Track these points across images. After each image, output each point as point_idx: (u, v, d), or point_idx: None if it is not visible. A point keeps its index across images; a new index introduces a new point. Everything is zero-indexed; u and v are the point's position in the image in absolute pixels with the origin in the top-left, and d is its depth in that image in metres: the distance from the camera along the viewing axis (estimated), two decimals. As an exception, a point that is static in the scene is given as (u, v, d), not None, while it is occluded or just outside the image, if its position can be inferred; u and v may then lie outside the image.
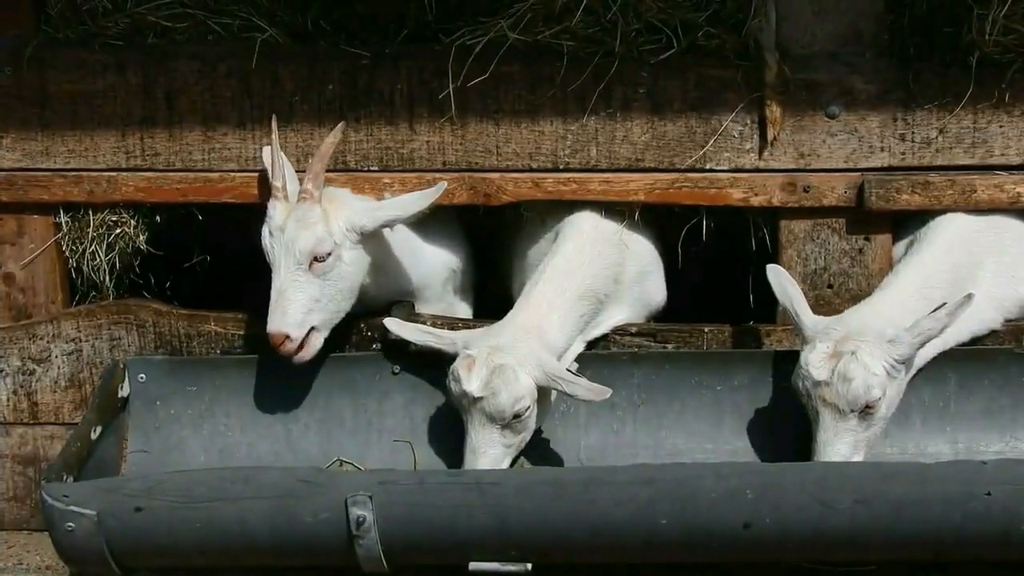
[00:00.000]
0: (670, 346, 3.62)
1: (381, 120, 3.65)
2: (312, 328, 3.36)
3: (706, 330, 3.64)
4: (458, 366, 3.28)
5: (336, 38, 3.63)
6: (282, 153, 3.46)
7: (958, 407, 3.52)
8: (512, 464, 3.37)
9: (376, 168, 3.68)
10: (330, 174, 3.68)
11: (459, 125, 3.64)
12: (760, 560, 3.21)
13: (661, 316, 3.85)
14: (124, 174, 3.73)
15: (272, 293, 3.33)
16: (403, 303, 3.67)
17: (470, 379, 3.24)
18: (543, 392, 3.32)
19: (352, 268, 3.41)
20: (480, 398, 3.23)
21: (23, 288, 3.82)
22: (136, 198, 3.75)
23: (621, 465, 3.28)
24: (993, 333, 3.55)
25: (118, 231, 3.79)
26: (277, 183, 3.38)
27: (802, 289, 3.62)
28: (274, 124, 3.50)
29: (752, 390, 3.56)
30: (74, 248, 3.81)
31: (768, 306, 3.72)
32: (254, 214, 3.89)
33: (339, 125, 3.46)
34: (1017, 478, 3.01)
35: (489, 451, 3.28)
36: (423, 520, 3.05)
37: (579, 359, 3.56)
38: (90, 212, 3.79)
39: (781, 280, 3.41)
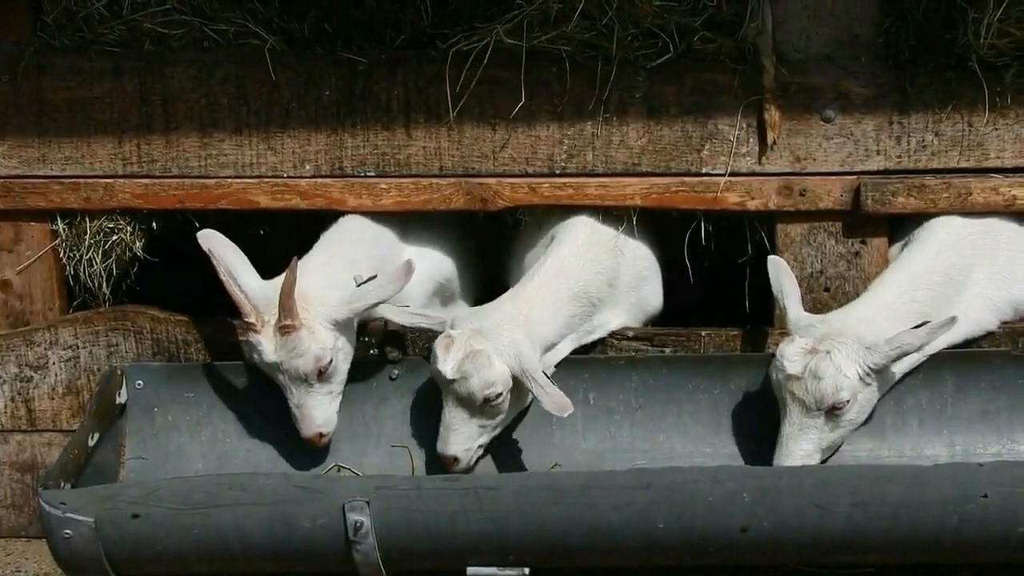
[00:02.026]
0: (667, 350, 3.63)
1: (378, 126, 3.65)
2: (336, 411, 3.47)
3: (703, 334, 3.64)
4: (437, 344, 3.32)
5: (333, 44, 3.64)
6: (235, 276, 3.38)
7: (955, 410, 3.53)
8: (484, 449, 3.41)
9: (373, 174, 3.68)
10: (327, 180, 3.70)
11: (456, 130, 3.65)
12: (758, 564, 3.21)
13: (658, 320, 3.85)
14: (121, 181, 3.73)
15: (291, 407, 3.40)
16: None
17: (445, 360, 3.28)
18: (520, 382, 3.32)
19: (347, 347, 3.44)
20: (453, 380, 3.26)
21: (20, 295, 3.83)
22: (133, 205, 3.75)
23: (618, 469, 3.29)
24: (990, 335, 3.56)
25: (115, 238, 3.79)
26: (250, 319, 3.33)
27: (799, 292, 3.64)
28: (223, 266, 3.37)
29: (749, 394, 3.56)
30: (71, 255, 3.82)
31: (765, 310, 3.72)
32: (251, 220, 3.92)
33: (293, 261, 3.31)
34: (1014, 480, 3.01)
35: (461, 429, 3.32)
36: (420, 525, 3.05)
37: (578, 363, 3.56)
38: (87, 219, 3.79)
39: (778, 272, 3.42)
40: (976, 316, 3.49)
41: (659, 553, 3.09)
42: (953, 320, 3.24)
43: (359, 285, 3.41)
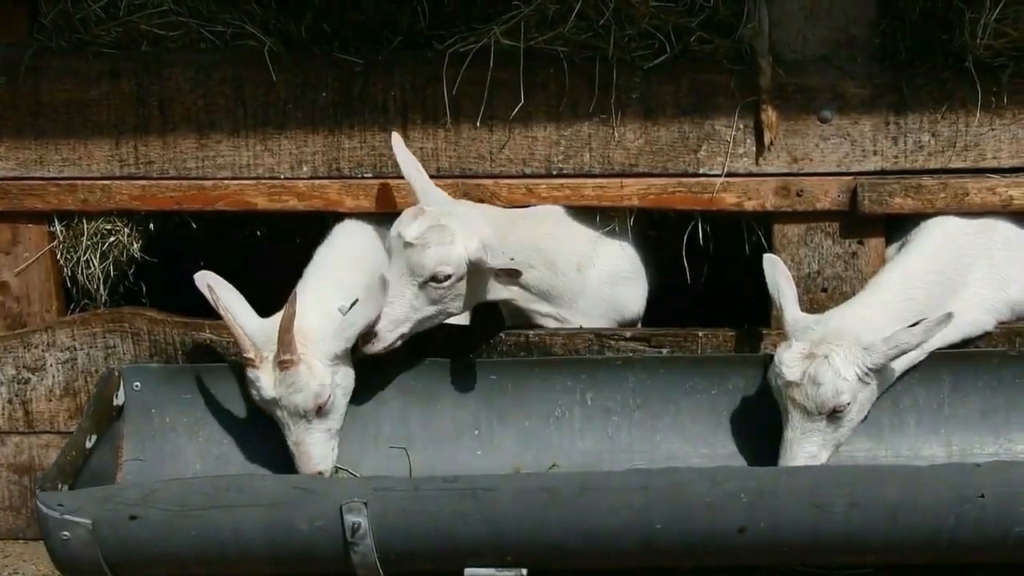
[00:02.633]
0: (665, 350, 3.63)
1: (375, 127, 3.66)
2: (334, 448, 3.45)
3: (700, 334, 3.64)
4: (406, 211, 3.32)
5: (329, 45, 3.64)
6: (233, 314, 3.36)
7: (952, 409, 3.53)
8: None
9: (370, 175, 3.68)
10: (324, 181, 3.70)
11: (453, 131, 3.65)
12: (756, 564, 3.21)
13: (656, 321, 3.85)
14: (118, 182, 3.73)
15: (289, 444, 3.38)
16: None
17: (410, 225, 3.28)
18: (476, 272, 3.32)
19: (346, 382, 3.42)
20: (410, 245, 3.26)
21: (18, 297, 3.83)
22: (130, 206, 3.75)
23: (616, 470, 3.29)
24: (987, 335, 3.56)
25: (112, 239, 3.80)
26: (248, 354, 3.32)
27: (796, 293, 3.64)
28: (222, 302, 3.36)
29: (747, 394, 3.56)
30: (68, 256, 3.82)
31: (763, 310, 3.72)
32: (248, 221, 3.92)
33: (292, 294, 3.32)
34: (1011, 480, 3.02)
35: (395, 304, 3.29)
36: (418, 527, 3.05)
37: (575, 364, 3.57)
38: (84, 220, 3.79)
39: (775, 272, 3.42)
40: (973, 316, 3.49)
41: (657, 554, 3.09)
42: (949, 317, 3.23)
43: (345, 314, 3.38)
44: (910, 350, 3.27)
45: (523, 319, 3.68)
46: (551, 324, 3.67)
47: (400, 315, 3.32)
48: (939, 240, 3.50)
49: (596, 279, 3.68)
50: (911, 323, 3.25)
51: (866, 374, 3.23)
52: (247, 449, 3.58)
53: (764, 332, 3.65)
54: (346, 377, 3.42)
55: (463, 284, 3.34)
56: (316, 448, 3.37)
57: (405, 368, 3.60)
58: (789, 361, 3.25)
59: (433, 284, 3.30)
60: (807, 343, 3.26)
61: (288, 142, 3.69)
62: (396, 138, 3.55)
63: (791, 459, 3.25)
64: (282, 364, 3.28)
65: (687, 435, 3.56)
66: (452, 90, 3.57)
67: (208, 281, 3.42)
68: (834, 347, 3.22)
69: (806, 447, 3.24)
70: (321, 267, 3.56)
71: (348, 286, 3.48)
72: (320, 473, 3.38)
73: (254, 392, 3.36)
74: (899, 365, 3.36)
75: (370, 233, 3.65)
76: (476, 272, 3.35)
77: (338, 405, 3.40)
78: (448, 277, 3.30)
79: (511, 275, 3.33)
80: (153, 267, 3.93)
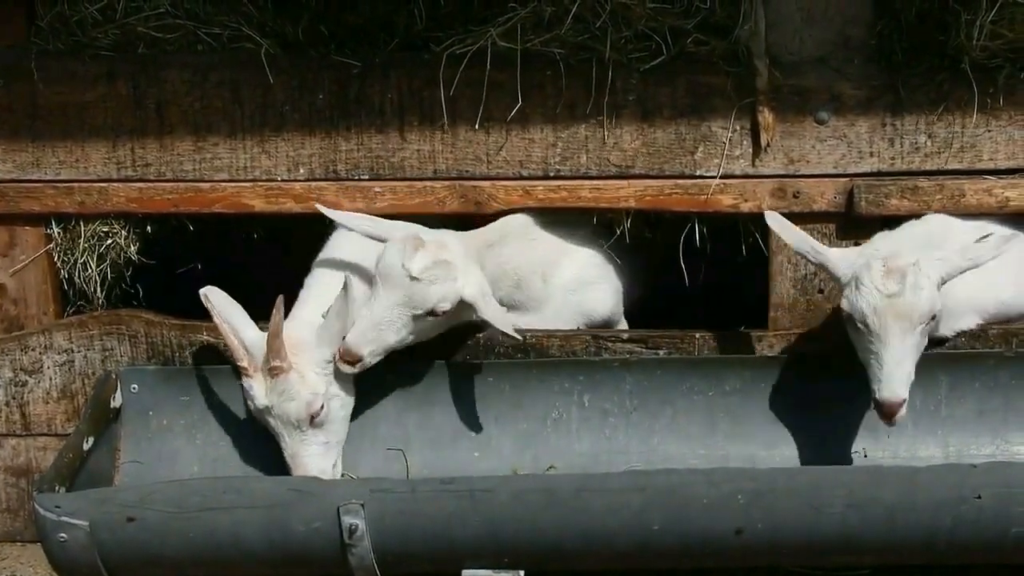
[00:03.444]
0: (662, 352, 3.63)
1: (372, 129, 3.66)
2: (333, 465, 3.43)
3: (698, 336, 3.65)
4: (400, 240, 3.32)
5: (326, 48, 3.64)
6: (230, 323, 3.38)
7: (949, 410, 3.54)
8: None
9: (367, 177, 3.68)
10: (321, 183, 3.70)
11: (450, 133, 3.65)
12: (753, 565, 3.22)
13: (653, 323, 3.85)
14: (115, 184, 3.73)
15: (286, 457, 3.37)
16: None
17: (413, 259, 3.28)
18: (463, 307, 3.36)
19: (343, 394, 3.41)
20: (415, 279, 3.27)
21: (15, 299, 3.83)
22: (127, 208, 3.75)
23: (613, 472, 3.30)
24: (984, 337, 3.56)
25: (109, 241, 3.79)
26: (242, 362, 3.33)
27: (793, 295, 3.66)
28: (218, 312, 3.39)
29: (744, 395, 3.56)
30: (65, 259, 3.82)
31: (760, 312, 3.73)
32: (245, 223, 3.92)
33: (278, 300, 3.27)
34: (1007, 481, 3.02)
35: (386, 332, 3.30)
36: (416, 528, 3.05)
37: (573, 365, 3.58)
38: (81, 223, 3.79)
39: (785, 225, 3.37)
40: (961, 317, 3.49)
41: (654, 555, 3.10)
42: (1015, 235, 3.20)
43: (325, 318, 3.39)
44: (979, 265, 3.22)
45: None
46: None
47: (387, 341, 3.33)
48: (930, 225, 3.50)
49: (561, 287, 3.69)
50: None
51: (939, 285, 3.19)
52: (245, 451, 3.58)
53: (761, 334, 3.65)
54: (344, 390, 3.41)
55: (451, 316, 3.38)
56: (313, 460, 3.35)
57: (402, 370, 3.60)
58: (878, 277, 3.16)
59: (430, 317, 3.33)
60: (882, 260, 3.19)
61: (285, 144, 3.69)
62: (321, 207, 3.55)
63: (896, 383, 3.12)
64: (272, 371, 3.28)
65: (684, 436, 3.56)
66: (449, 92, 3.57)
67: (207, 293, 3.42)
68: (916, 257, 3.17)
69: (906, 366, 3.15)
70: (317, 276, 3.56)
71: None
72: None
73: (249, 402, 3.36)
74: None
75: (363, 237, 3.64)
76: (465, 308, 3.39)
77: (334, 416, 3.38)
78: (445, 312, 3.33)
79: (505, 330, 3.36)
80: (150, 269, 3.92)
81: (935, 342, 3.46)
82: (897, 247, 3.27)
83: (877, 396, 3.15)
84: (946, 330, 3.49)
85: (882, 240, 3.39)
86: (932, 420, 3.53)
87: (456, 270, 3.32)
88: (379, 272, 3.34)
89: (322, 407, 3.33)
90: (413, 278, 3.28)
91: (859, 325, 3.20)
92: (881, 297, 3.15)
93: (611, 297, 3.78)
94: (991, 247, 3.21)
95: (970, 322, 3.53)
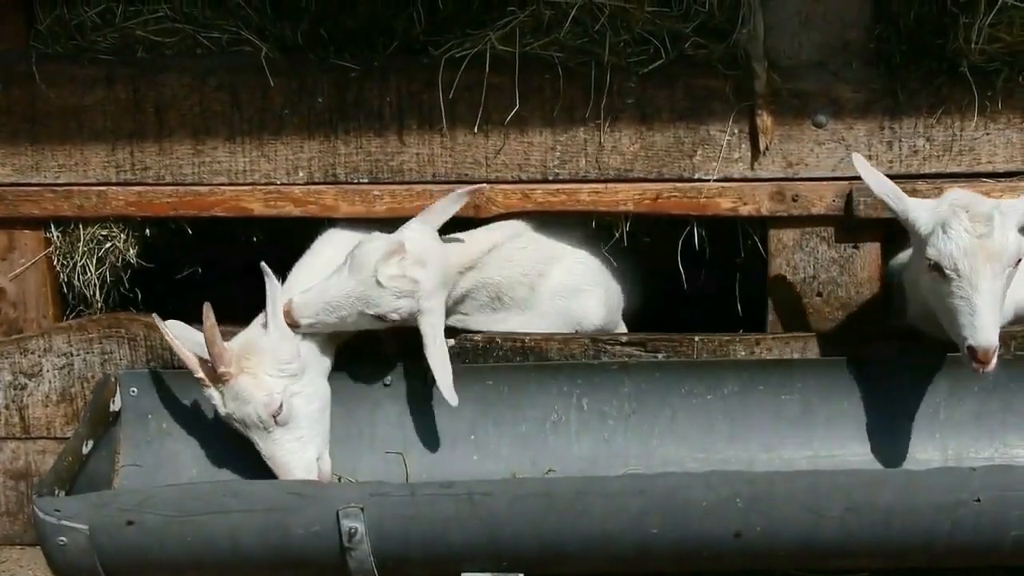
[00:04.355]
0: (660, 355, 3.63)
1: (370, 132, 3.66)
2: (318, 458, 3.42)
3: (696, 339, 3.65)
4: (384, 241, 3.35)
5: (325, 51, 3.64)
6: (180, 341, 3.39)
7: (948, 413, 3.54)
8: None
9: (366, 180, 3.69)
10: (320, 186, 3.70)
11: (448, 137, 3.65)
12: (751, 568, 3.22)
13: (652, 325, 3.85)
14: (114, 188, 3.74)
15: (265, 460, 3.38)
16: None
17: (386, 262, 3.31)
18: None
19: (308, 389, 3.41)
20: (378, 283, 3.29)
21: (14, 303, 3.83)
22: (126, 212, 3.75)
23: (612, 475, 3.30)
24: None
25: (108, 245, 3.80)
26: (199, 374, 3.34)
27: (791, 297, 3.66)
28: (170, 333, 3.40)
29: (743, 398, 3.56)
30: (65, 262, 3.82)
31: (758, 314, 3.73)
32: (244, 227, 3.92)
33: (206, 307, 3.28)
34: (1006, 484, 3.02)
35: (333, 313, 3.34)
36: (415, 532, 3.06)
37: (571, 368, 3.58)
38: (80, 226, 3.79)
39: (868, 167, 3.35)
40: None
41: (653, 559, 3.10)
42: None
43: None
44: None
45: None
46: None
47: (330, 323, 3.37)
48: None
49: (548, 293, 3.68)
50: None
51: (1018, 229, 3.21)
52: (243, 454, 3.57)
53: (759, 337, 3.65)
54: (309, 385, 3.40)
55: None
56: (290, 458, 3.35)
57: (401, 373, 3.60)
58: (966, 222, 3.16)
59: (377, 320, 3.36)
60: (961, 208, 3.20)
61: (284, 148, 3.70)
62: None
63: (989, 328, 3.10)
64: (222, 378, 3.29)
65: (683, 440, 3.56)
66: (448, 95, 3.58)
67: (158, 322, 3.43)
68: (993, 204, 3.20)
69: (995, 311, 3.13)
70: (290, 282, 3.54)
71: None
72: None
73: (216, 411, 3.37)
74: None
75: (349, 242, 3.59)
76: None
77: (299, 413, 3.36)
78: (393, 322, 3.37)
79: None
80: (150, 273, 3.93)
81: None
82: (975, 197, 3.27)
83: (972, 342, 3.12)
84: None
85: (954, 192, 3.35)
86: (931, 423, 3.53)
87: (421, 293, 3.33)
88: (353, 256, 3.37)
89: (281, 406, 3.32)
90: (378, 282, 3.30)
91: (948, 272, 3.18)
92: (971, 239, 3.15)
93: (602, 304, 3.76)
94: None
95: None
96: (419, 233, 3.43)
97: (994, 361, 3.12)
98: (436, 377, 3.33)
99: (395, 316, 3.35)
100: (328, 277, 3.40)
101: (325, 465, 3.42)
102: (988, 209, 3.19)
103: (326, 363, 3.48)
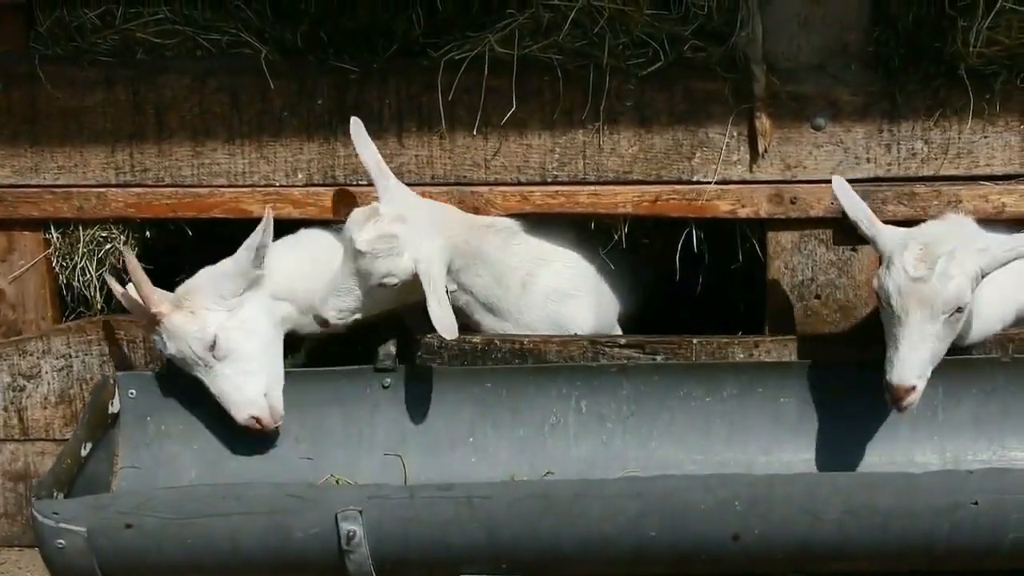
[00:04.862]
0: (659, 357, 3.63)
1: (370, 134, 3.65)
2: (265, 394, 3.44)
3: (695, 341, 3.65)
4: (360, 210, 3.40)
5: (325, 53, 3.64)
6: (123, 290, 3.49)
7: (946, 416, 3.54)
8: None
9: (365, 183, 3.68)
10: (319, 188, 3.71)
11: (447, 139, 3.66)
12: (750, 571, 3.22)
13: (651, 328, 3.85)
14: (114, 190, 3.74)
15: (216, 399, 3.43)
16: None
17: (362, 230, 3.34)
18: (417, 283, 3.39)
19: (249, 324, 3.45)
20: (360, 252, 3.32)
21: (13, 304, 3.83)
22: (126, 214, 3.76)
23: (610, 478, 3.30)
24: (980, 342, 3.55)
25: (108, 246, 3.80)
26: (142, 322, 3.44)
27: (790, 300, 3.66)
28: (114, 285, 3.51)
29: (741, 401, 3.56)
30: (64, 264, 3.83)
31: (757, 317, 3.73)
32: (244, 228, 3.91)
33: (127, 252, 3.47)
34: (1004, 487, 3.03)
35: (345, 297, 3.40)
36: (413, 534, 3.06)
37: (570, 371, 3.57)
38: (80, 228, 3.80)
39: (847, 190, 3.35)
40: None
41: (651, 561, 3.10)
42: None
43: None
44: (1022, 256, 3.18)
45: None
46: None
47: (349, 306, 3.41)
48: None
49: (541, 295, 3.69)
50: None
51: (978, 277, 3.17)
52: (242, 457, 3.58)
53: (758, 339, 3.65)
54: (248, 321, 3.44)
55: (410, 285, 3.41)
56: (238, 393, 3.39)
57: (400, 376, 3.60)
58: (912, 260, 3.15)
59: (379, 288, 3.38)
60: (922, 245, 3.18)
61: (283, 149, 3.70)
62: (355, 123, 3.55)
63: (907, 368, 3.13)
64: (157, 319, 3.37)
65: (681, 442, 3.56)
66: (447, 98, 3.58)
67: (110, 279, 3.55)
68: (955, 245, 3.15)
69: (922, 353, 3.14)
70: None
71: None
72: (257, 419, 3.40)
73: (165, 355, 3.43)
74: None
75: (323, 237, 3.67)
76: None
77: (240, 346, 3.40)
78: (395, 284, 3.37)
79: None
80: (149, 274, 3.92)
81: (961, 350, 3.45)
82: (944, 233, 3.24)
83: (887, 378, 3.16)
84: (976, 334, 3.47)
85: (934, 224, 3.35)
86: (929, 426, 3.53)
87: (404, 245, 3.34)
88: (343, 239, 3.42)
89: (215, 340, 3.36)
90: (359, 251, 3.33)
91: (884, 304, 3.20)
92: (907, 279, 3.14)
93: (592, 310, 3.76)
94: None
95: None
96: (396, 193, 3.48)
97: (910, 400, 3.15)
98: (433, 317, 3.30)
99: (393, 280, 3.36)
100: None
101: (273, 401, 3.45)
102: (942, 250, 3.16)
103: (280, 310, 3.51)
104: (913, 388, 3.14)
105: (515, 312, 3.67)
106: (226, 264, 3.45)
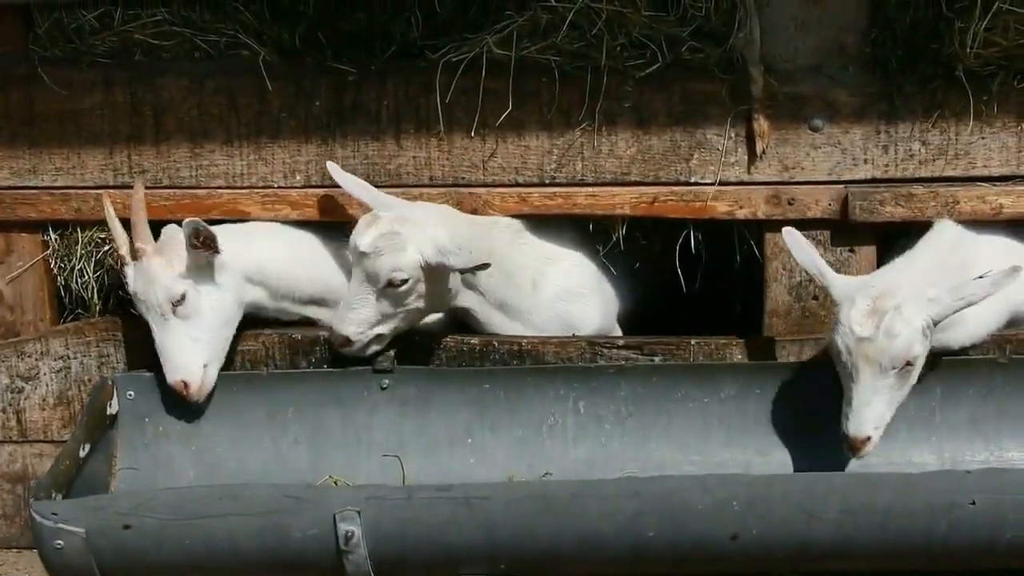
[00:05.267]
0: (657, 358, 3.64)
1: (368, 136, 3.67)
2: (204, 365, 3.45)
3: (693, 342, 3.65)
4: (362, 219, 3.42)
5: (323, 55, 3.65)
6: (115, 220, 3.51)
7: (943, 417, 3.54)
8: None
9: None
10: (317, 190, 3.71)
11: (445, 140, 3.66)
12: (748, 571, 3.22)
13: (649, 329, 3.86)
14: (112, 191, 3.74)
15: (158, 352, 3.43)
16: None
17: (363, 234, 3.37)
18: (435, 274, 3.39)
19: (215, 295, 3.46)
20: (364, 254, 3.34)
21: (11, 306, 3.83)
22: (124, 215, 3.74)
23: (608, 478, 3.30)
24: (978, 343, 3.57)
25: (106, 248, 3.80)
26: (121, 250, 3.45)
27: (788, 301, 3.67)
28: (108, 207, 3.52)
29: (739, 402, 3.57)
30: (62, 265, 3.83)
31: (755, 318, 3.74)
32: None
33: (138, 182, 3.54)
34: (1001, 487, 3.03)
35: (360, 309, 3.41)
36: (412, 535, 3.06)
37: (567, 372, 3.58)
38: (78, 229, 3.80)
39: (800, 244, 3.36)
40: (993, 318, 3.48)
41: (649, 561, 3.10)
42: (1016, 270, 3.14)
43: None
44: (974, 303, 3.18)
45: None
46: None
47: (366, 318, 3.42)
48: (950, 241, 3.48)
49: (550, 295, 3.70)
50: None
51: (928, 327, 3.17)
52: (241, 457, 3.58)
53: (756, 340, 3.66)
54: (219, 299, 3.45)
55: (422, 285, 3.42)
56: (179, 354, 3.40)
57: (398, 377, 3.61)
58: (858, 318, 3.15)
59: (391, 289, 3.37)
60: (870, 299, 3.18)
61: (281, 151, 3.70)
62: (332, 166, 3.61)
63: (862, 422, 3.16)
64: (135, 254, 3.40)
65: (679, 443, 3.56)
66: (445, 99, 3.58)
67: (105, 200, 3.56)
68: (902, 300, 3.15)
69: (876, 406, 3.17)
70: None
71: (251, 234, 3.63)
72: (186, 384, 3.40)
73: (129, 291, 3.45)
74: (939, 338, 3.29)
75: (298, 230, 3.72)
76: (435, 274, 3.41)
77: (201, 311, 3.41)
78: (404, 282, 3.37)
79: (479, 268, 3.38)
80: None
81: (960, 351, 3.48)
82: (897, 282, 3.24)
83: (843, 430, 3.21)
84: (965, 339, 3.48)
85: (889, 270, 3.37)
86: (926, 426, 3.53)
87: (406, 240, 3.36)
88: (349, 250, 3.45)
89: (184, 296, 3.38)
90: (362, 253, 3.35)
91: (835, 359, 3.24)
92: (854, 338, 3.17)
93: (598, 311, 3.77)
94: (987, 284, 3.16)
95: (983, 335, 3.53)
96: (397, 202, 3.51)
97: (866, 450, 3.20)
98: (470, 266, 3.34)
99: (401, 275, 3.36)
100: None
101: (208, 377, 3.46)
102: (889, 304, 3.15)
103: (250, 293, 3.55)
104: (868, 439, 3.19)
105: (526, 312, 3.67)
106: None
